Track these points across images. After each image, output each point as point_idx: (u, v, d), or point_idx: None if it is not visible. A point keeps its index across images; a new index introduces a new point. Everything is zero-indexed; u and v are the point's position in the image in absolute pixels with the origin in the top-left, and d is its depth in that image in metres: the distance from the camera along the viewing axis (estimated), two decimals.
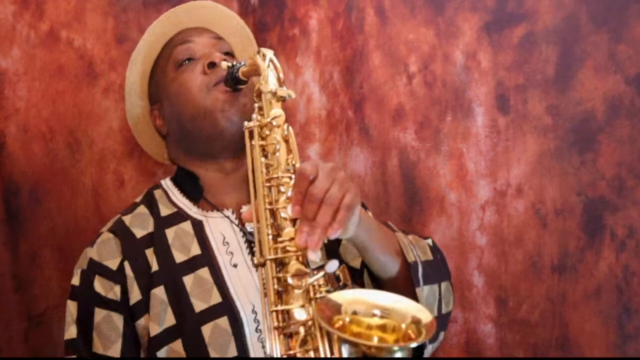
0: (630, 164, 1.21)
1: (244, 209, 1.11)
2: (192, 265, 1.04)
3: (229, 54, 1.18)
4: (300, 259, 0.83)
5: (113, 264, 1.02)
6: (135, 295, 1.01)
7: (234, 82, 1.06)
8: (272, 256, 0.84)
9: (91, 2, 1.64)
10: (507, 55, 1.40)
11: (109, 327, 1.00)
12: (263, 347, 0.98)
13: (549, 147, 1.33)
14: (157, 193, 1.14)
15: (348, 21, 1.82)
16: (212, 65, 1.10)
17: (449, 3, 1.52)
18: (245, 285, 1.03)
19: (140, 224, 1.07)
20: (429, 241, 1.10)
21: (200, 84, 1.09)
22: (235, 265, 1.05)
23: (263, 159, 0.92)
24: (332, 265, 0.81)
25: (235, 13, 1.33)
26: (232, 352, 0.98)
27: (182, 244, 1.05)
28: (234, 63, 1.06)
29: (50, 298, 1.56)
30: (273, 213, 0.87)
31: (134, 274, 1.01)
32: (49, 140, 1.57)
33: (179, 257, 1.04)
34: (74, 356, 1.01)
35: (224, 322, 0.99)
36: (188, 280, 1.02)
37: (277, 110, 0.93)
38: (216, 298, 1.01)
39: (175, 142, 1.16)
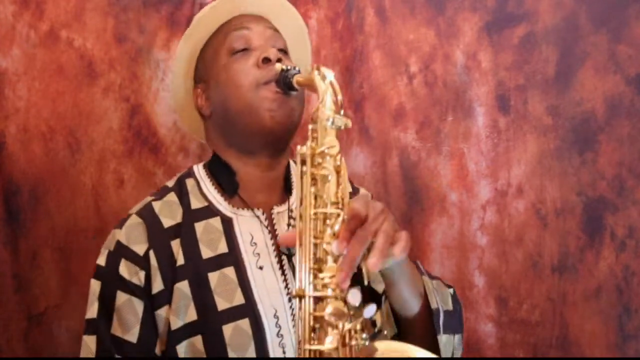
0: (630, 164, 1.21)
1: (275, 210, 1.10)
2: (218, 262, 1.03)
3: (283, 51, 1.15)
4: (339, 297, 0.81)
5: (140, 249, 1.02)
6: (157, 285, 1.01)
7: (286, 86, 1.04)
8: (313, 293, 0.82)
9: (91, 2, 1.64)
10: (507, 56, 1.40)
11: (129, 311, 1.01)
12: (284, 352, 0.99)
13: (549, 147, 1.33)
14: (189, 183, 1.12)
15: (348, 21, 1.82)
16: (267, 60, 1.07)
17: (449, 3, 1.52)
18: (269, 288, 1.03)
19: (169, 213, 1.06)
20: (451, 290, 1.10)
21: (252, 79, 1.07)
22: (261, 268, 1.05)
23: (312, 189, 0.89)
24: (370, 310, 0.80)
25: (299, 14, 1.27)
26: (252, 354, 0.98)
27: (210, 239, 1.05)
28: (289, 67, 1.04)
29: (50, 298, 1.56)
30: (316, 246, 0.85)
31: (157, 265, 1.01)
32: (49, 140, 1.57)
33: (206, 252, 1.04)
34: (94, 336, 1.02)
35: (245, 324, 0.99)
36: (213, 277, 1.02)
37: (332, 139, 0.89)
38: (239, 299, 1.01)
39: (217, 128, 1.14)
